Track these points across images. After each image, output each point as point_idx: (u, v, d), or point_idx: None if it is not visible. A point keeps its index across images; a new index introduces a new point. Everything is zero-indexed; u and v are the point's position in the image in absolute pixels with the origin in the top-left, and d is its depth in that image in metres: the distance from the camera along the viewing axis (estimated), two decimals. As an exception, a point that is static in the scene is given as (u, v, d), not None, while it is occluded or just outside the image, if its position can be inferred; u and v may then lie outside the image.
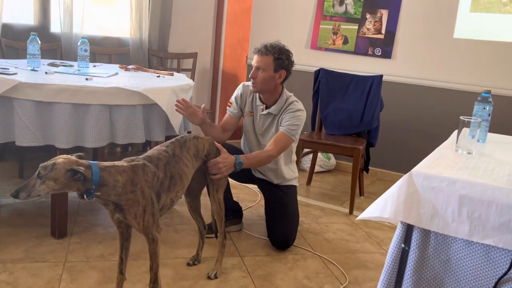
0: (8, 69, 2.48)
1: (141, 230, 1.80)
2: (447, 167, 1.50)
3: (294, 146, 2.68)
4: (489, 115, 1.99)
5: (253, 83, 2.52)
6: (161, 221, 2.82)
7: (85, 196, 1.66)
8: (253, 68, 2.50)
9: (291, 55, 2.52)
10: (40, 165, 1.61)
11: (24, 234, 2.50)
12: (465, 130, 1.72)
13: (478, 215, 1.33)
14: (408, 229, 1.46)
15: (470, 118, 1.71)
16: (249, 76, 2.52)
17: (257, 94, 2.62)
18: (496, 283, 1.34)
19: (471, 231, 1.35)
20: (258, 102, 2.63)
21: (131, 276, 2.17)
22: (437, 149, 1.78)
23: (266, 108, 2.61)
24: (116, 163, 1.76)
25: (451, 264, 1.41)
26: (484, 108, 1.97)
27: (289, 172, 2.71)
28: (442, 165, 1.51)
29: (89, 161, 1.68)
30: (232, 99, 2.69)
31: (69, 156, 1.67)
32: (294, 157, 2.77)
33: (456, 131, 1.84)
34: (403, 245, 1.46)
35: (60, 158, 1.63)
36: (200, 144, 2.11)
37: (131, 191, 1.73)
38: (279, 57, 2.47)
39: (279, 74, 2.51)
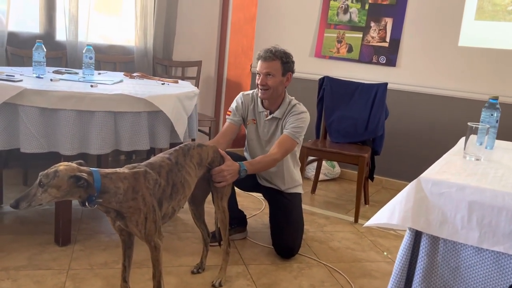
0: (14, 76, 2.48)
1: (143, 237, 1.78)
2: (456, 173, 1.48)
3: (297, 149, 2.67)
4: (496, 122, 1.97)
5: (263, 90, 2.51)
6: (165, 229, 2.81)
7: (86, 204, 1.65)
8: (262, 75, 2.48)
9: (292, 57, 2.55)
10: (41, 173, 1.59)
11: (28, 241, 2.48)
12: (473, 137, 1.70)
13: (488, 222, 1.31)
14: (417, 236, 1.44)
15: (478, 125, 1.70)
16: (259, 83, 2.50)
17: (259, 100, 2.61)
18: (507, 291, 1.31)
19: (481, 237, 1.32)
20: (261, 109, 2.62)
21: (135, 284, 2.15)
22: (444, 155, 1.77)
23: (270, 113, 2.60)
24: (118, 170, 1.75)
25: (460, 271, 1.39)
26: (492, 115, 1.95)
27: (298, 174, 2.71)
28: (451, 171, 1.50)
29: (90, 168, 1.67)
30: (232, 108, 2.66)
31: (69, 163, 1.65)
32: (299, 162, 2.75)
33: (463, 138, 1.82)
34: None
35: (62, 166, 1.61)
36: (204, 152, 2.10)
37: (132, 198, 1.72)
38: (287, 60, 2.50)
39: (287, 77, 2.53)
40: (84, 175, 1.60)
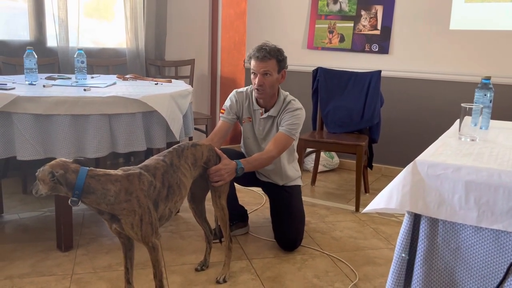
0: (6, 84, 2.47)
1: (140, 239, 1.79)
2: (452, 154, 1.48)
3: (295, 143, 2.66)
4: (490, 102, 1.97)
5: (260, 90, 2.47)
6: (167, 228, 2.81)
7: (69, 202, 1.68)
8: (259, 75, 2.44)
9: (284, 53, 2.52)
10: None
11: (30, 249, 2.48)
12: (467, 118, 1.70)
13: (486, 201, 1.31)
14: (416, 219, 1.44)
15: (472, 105, 1.70)
16: (257, 83, 2.46)
17: (254, 98, 2.59)
18: (508, 269, 1.31)
19: (479, 217, 1.33)
20: (256, 107, 2.60)
21: (139, 285, 2.16)
22: (440, 137, 1.77)
23: (265, 111, 2.59)
24: (111, 171, 1.75)
25: (461, 252, 1.39)
26: (485, 95, 1.95)
27: (293, 170, 2.69)
28: (446, 153, 1.50)
29: (82, 167, 1.68)
30: (226, 106, 2.64)
31: (63, 159, 1.70)
32: (296, 155, 2.75)
33: (458, 120, 1.82)
34: (403, 255, 1.43)
35: (54, 161, 1.67)
36: (198, 152, 2.09)
37: (125, 200, 1.71)
38: (282, 58, 2.47)
39: (281, 74, 2.51)
40: (59, 172, 1.62)
